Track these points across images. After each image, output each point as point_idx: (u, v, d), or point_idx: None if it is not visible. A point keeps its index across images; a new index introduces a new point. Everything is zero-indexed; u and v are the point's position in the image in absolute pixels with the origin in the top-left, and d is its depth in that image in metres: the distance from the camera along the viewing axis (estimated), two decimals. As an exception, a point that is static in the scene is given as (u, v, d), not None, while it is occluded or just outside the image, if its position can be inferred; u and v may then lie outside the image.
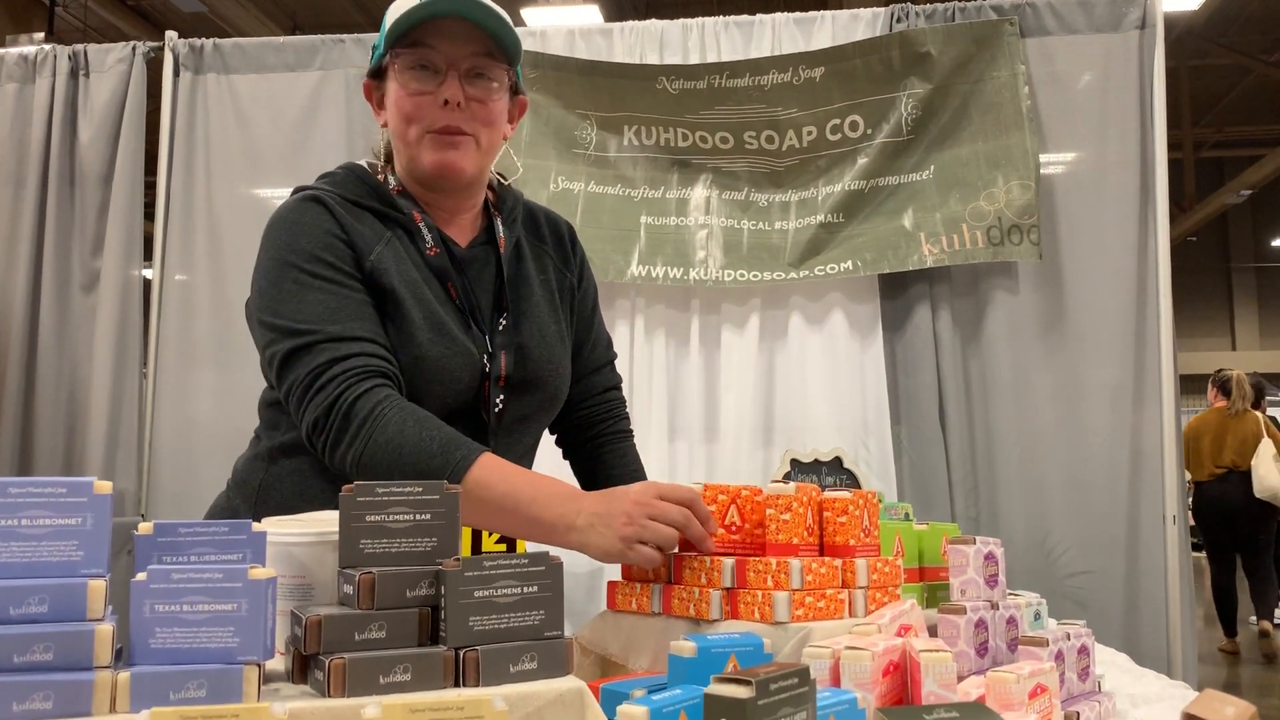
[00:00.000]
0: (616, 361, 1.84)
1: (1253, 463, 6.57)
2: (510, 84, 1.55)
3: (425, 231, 1.52)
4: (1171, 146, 3.41)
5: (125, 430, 3.74)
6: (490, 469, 1.33)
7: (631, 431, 1.83)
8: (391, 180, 1.56)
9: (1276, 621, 6.95)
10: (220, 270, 3.73)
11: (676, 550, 1.32)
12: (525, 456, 1.63)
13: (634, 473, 1.78)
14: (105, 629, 0.86)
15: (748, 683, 0.77)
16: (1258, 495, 6.55)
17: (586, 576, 3.31)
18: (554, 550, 1.08)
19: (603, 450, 1.77)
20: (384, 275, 1.45)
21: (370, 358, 1.38)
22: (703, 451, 3.49)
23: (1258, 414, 6.83)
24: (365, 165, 1.58)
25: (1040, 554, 3.34)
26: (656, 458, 3.38)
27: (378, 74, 1.55)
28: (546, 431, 1.74)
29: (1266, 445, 6.63)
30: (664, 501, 1.27)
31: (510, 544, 1.42)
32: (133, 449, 3.73)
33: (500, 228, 1.60)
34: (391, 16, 1.48)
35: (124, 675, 0.85)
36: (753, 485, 1.37)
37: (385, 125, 1.56)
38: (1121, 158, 3.42)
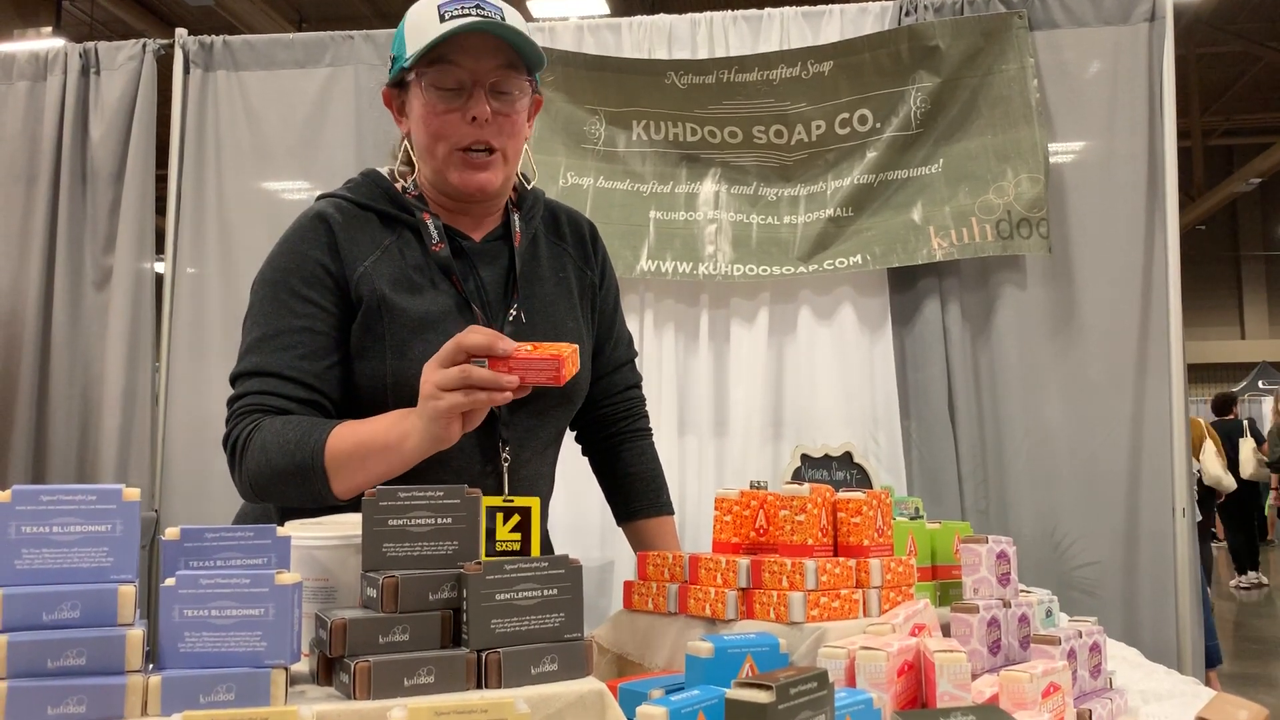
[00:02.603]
0: (629, 357, 1.86)
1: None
2: (531, 90, 1.56)
3: (432, 229, 1.53)
4: (1180, 135, 3.40)
5: (138, 425, 3.76)
6: (340, 437, 1.39)
7: (650, 430, 1.84)
8: (410, 185, 1.58)
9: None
10: (231, 264, 3.74)
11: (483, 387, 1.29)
12: (546, 452, 1.64)
13: (653, 471, 1.79)
14: (136, 634, 0.88)
15: (768, 687, 0.78)
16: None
17: (597, 571, 3.33)
18: (571, 552, 1.10)
19: (622, 448, 1.79)
20: (373, 284, 1.49)
21: (260, 395, 1.46)
22: (712, 446, 3.50)
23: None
24: (385, 172, 1.60)
25: (1049, 546, 3.34)
26: (666, 452, 3.37)
27: (397, 84, 1.56)
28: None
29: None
30: (440, 372, 1.28)
31: (525, 530, 1.44)
32: (146, 443, 3.75)
33: (517, 223, 1.62)
34: (412, 29, 1.49)
35: (155, 679, 0.87)
36: (774, 491, 1.39)
37: (407, 133, 1.57)
38: (1130, 150, 3.41)
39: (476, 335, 1.28)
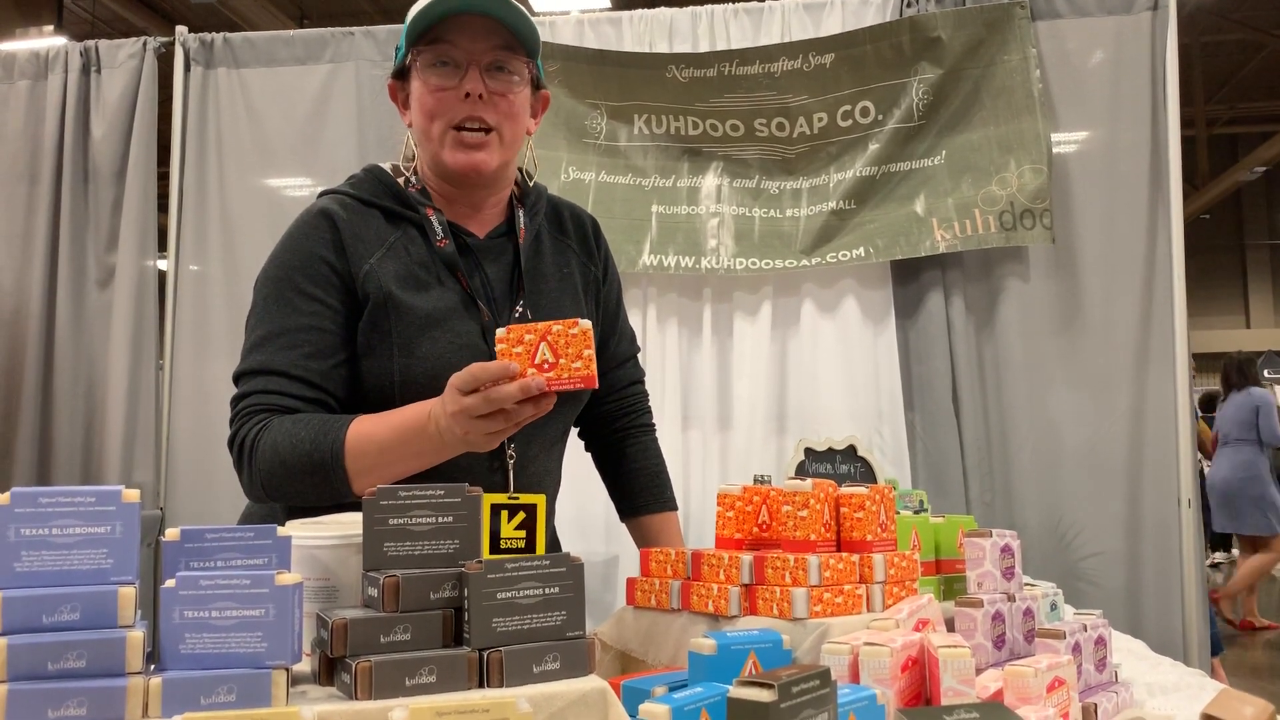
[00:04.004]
0: (632, 352, 1.85)
1: None
2: (531, 77, 1.56)
3: (436, 225, 1.53)
4: (1184, 124, 3.39)
5: (143, 423, 3.76)
6: (359, 437, 1.38)
7: (654, 425, 1.84)
8: (412, 180, 1.57)
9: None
10: (234, 261, 3.74)
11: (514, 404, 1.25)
12: (553, 449, 1.63)
13: (656, 468, 1.79)
14: (136, 636, 0.88)
15: (770, 686, 0.78)
16: None
17: (602, 565, 3.33)
18: (576, 547, 1.09)
19: (626, 444, 1.79)
20: (379, 281, 1.48)
21: (265, 394, 1.44)
22: (716, 441, 3.49)
23: None
24: (387, 167, 1.60)
25: (1054, 537, 3.34)
26: (670, 447, 3.36)
27: (401, 74, 1.56)
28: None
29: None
30: (468, 399, 1.26)
31: (530, 527, 1.44)
32: (150, 441, 3.75)
33: (521, 218, 1.61)
34: (413, 17, 1.49)
35: (155, 681, 0.87)
36: (777, 487, 1.38)
37: (410, 125, 1.57)
38: (1134, 140, 3.40)
39: (489, 368, 1.25)
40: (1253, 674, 5.98)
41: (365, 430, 1.38)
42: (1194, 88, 14.06)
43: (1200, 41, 13.50)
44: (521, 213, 1.62)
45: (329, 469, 1.37)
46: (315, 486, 1.39)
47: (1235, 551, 10.55)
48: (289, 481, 1.40)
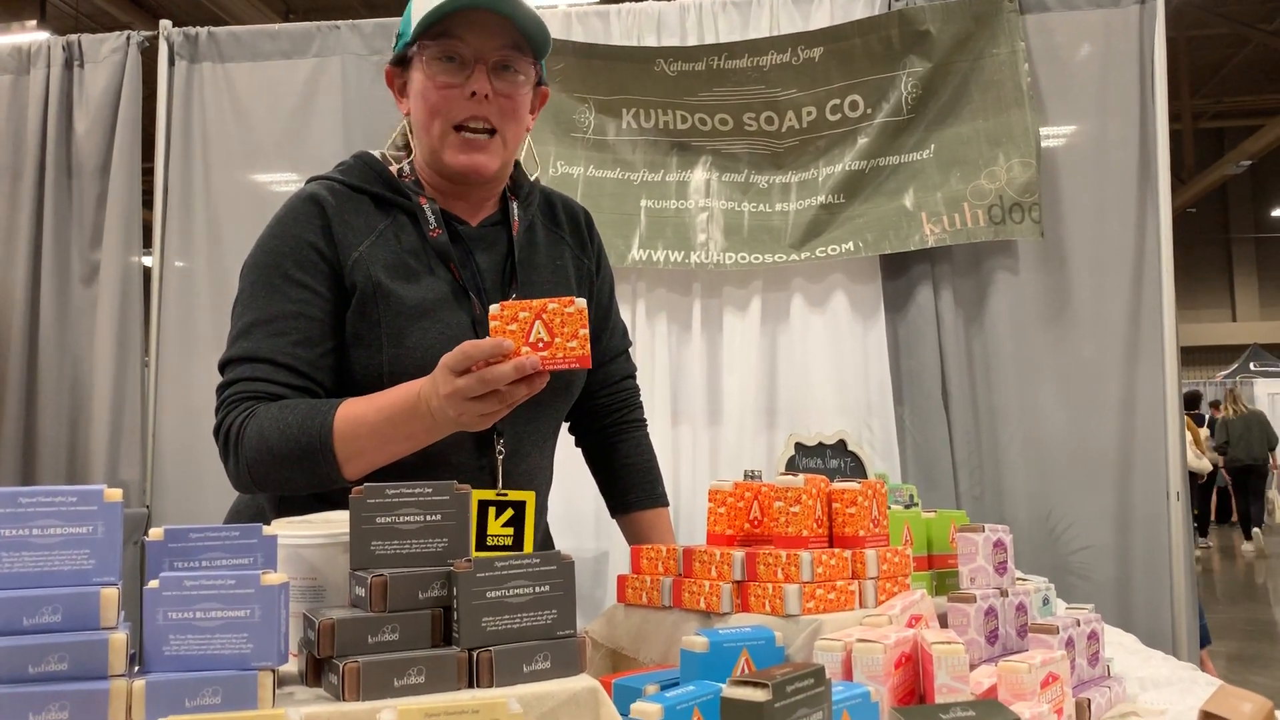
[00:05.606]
0: (624, 347, 1.84)
1: None
2: (536, 76, 1.54)
3: (429, 214, 1.51)
4: (1170, 117, 3.40)
5: (128, 420, 3.73)
6: (348, 420, 1.36)
7: (645, 421, 1.83)
8: (406, 168, 1.56)
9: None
10: (219, 257, 3.71)
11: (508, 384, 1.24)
12: (544, 445, 1.62)
13: (648, 463, 1.78)
14: (119, 637, 0.86)
15: (764, 685, 0.77)
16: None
17: (592, 562, 3.32)
18: (565, 543, 1.08)
19: (618, 440, 1.77)
20: (368, 270, 1.46)
21: (252, 381, 1.42)
22: (706, 435, 3.49)
23: None
24: (378, 155, 1.58)
25: (1044, 531, 3.34)
26: (659, 442, 3.33)
27: (401, 61, 1.54)
28: None
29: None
30: (461, 380, 1.24)
31: (518, 525, 1.42)
32: (136, 439, 3.72)
33: (515, 208, 1.60)
34: (419, 5, 1.47)
35: (139, 684, 0.85)
36: (769, 482, 1.37)
37: (407, 114, 1.55)
38: (1122, 134, 3.40)
39: (482, 346, 1.24)
40: (1245, 665, 6.01)
41: (354, 413, 1.37)
42: (1180, 81, 14.10)
43: (1186, 35, 13.54)
44: (515, 203, 1.61)
45: (318, 454, 1.35)
46: (304, 473, 1.37)
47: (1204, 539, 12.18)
48: (276, 469, 1.38)
